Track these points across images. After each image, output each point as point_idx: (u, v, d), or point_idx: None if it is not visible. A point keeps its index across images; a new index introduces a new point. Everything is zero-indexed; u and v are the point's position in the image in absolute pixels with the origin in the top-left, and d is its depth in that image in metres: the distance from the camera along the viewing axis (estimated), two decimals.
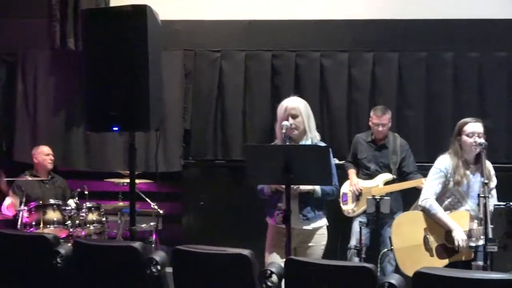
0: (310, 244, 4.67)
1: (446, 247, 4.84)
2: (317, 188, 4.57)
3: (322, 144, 4.73)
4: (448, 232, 4.86)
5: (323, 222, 4.73)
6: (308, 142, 4.65)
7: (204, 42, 7.48)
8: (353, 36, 7.30)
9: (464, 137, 4.81)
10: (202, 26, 7.47)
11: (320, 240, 4.73)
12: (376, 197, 5.39)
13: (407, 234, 5.04)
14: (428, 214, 4.94)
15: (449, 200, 4.91)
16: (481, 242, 4.61)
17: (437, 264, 4.80)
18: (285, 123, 4.55)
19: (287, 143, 4.47)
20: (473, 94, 7.08)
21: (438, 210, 4.89)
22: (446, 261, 4.82)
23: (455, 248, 4.77)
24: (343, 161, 6.78)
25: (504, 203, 4.35)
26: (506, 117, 6.98)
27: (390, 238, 5.22)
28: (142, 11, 4.69)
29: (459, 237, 4.74)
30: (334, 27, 7.32)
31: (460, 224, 4.78)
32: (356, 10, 7.26)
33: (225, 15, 7.41)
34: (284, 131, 4.50)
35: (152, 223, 6.74)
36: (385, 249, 5.78)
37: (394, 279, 3.03)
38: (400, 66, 7.20)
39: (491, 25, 7.00)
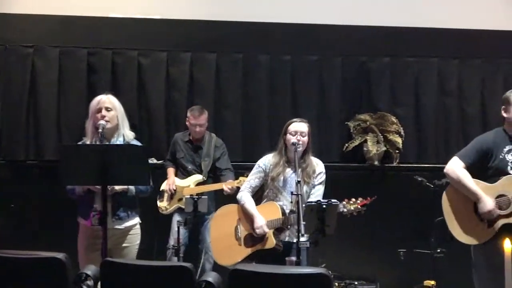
0: (124, 245, 4.64)
1: (253, 236, 5.00)
2: (131, 186, 4.52)
3: (137, 143, 4.69)
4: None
5: (136, 220, 4.74)
6: (120, 139, 4.60)
7: (15, 37, 7.13)
8: (172, 36, 7.30)
9: (288, 136, 5.03)
10: (13, 20, 7.11)
11: (134, 240, 4.73)
12: (194, 197, 5.45)
13: (222, 226, 5.19)
14: (240, 205, 5.12)
15: (269, 193, 5.09)
16: (295, 238, 4.80)
17: (244, 253, 4.98)
18: (101, 122, 4.48)
19: (103, 142, 4.40)
20: (287, 95, 7.35)
21: (246, 201, 5.07)
22: (252, 249, 4.99)
23: (259, 236, 4.94)
24: (162, 161, 6.79)
25: (315, 201, 4.51)
26: (316, 118, 7.27)
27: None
28: None
29: (258, 223, 4.91)
30: (152, 26, 7.28)
31: (270, 215, 4.94)
32: (174, 10, 7.28)
33: (39, 9, 7.10)
34: (100, 130, 4.43)
35: None
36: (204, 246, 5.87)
37: (211, 277, 3.06)
38: (217, 67, 7.31)
39: (304, 30, 7.30)
